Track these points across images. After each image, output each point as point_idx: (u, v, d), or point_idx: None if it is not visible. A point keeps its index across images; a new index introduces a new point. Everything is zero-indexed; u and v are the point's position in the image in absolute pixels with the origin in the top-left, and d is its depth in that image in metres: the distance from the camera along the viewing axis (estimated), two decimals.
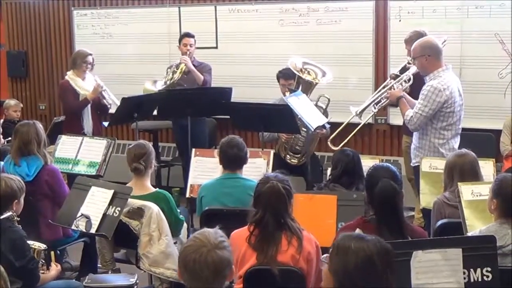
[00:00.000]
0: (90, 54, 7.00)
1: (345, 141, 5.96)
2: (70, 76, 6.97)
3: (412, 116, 5.29)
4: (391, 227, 3.44)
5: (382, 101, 5.78)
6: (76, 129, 6.65)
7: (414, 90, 5.63)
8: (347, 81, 7.42)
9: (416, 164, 5.38)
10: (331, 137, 6.12)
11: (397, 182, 3.59)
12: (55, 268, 4.24)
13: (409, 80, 5.63)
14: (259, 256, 3.51)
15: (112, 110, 7.05)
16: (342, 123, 6.12)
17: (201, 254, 2.42)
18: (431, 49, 5.33)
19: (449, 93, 5.22)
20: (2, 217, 3.94)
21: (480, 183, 4.28)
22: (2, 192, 4.03)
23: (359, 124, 6.03)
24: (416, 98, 5.45)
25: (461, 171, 4.40)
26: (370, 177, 3.70)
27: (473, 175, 4.38)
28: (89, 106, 6.88)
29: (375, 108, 5.85)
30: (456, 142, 5.40)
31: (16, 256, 3.84)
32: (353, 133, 6.06)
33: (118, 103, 6.80)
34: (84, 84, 6.91)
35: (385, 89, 5.74)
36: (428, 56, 5.30)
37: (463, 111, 5.44)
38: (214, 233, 2.53)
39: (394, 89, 5.65)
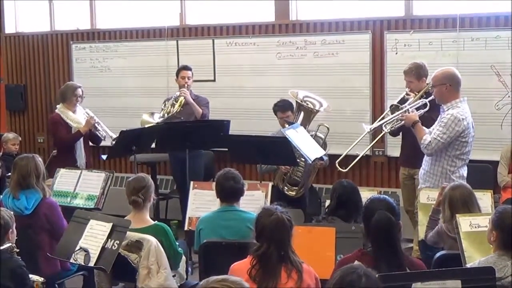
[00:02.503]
0: (80, 87, 6.98)
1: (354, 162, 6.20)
2: (60, 109, 6.91)
3: (430, 141, 5.38)
4: (388, 258, 3.45)
5: (396, 123, 5.86)
6: (69, 162, 6.53)
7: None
8: (344, 113, 7.44)
9: None
10: (339, 159, 6.18)
11: (394, 213, 3.60)
12: None
13: (425, 106, 5.72)
14: None
15: (107, 142, 7.04)
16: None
17: None
18: (452, 79, 5.45)
19: (466, 124, 5.36)
20: (2, 247, 3.94)
21: (478, 214, 4.29)
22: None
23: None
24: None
25: (451, 204, 4.44)
26: (366, 209, 3.72)
27: (464, 208, 4.38)
28: (81, 138, 6.86)
29: (385, 127, 5.93)
30: (465, 171, 5.51)
31: (16, 285, 3.84)
32: (359, 157, 6.21)
33: (113, 135, 6.81)
34: (75, 117, 6.87)
35: (400, 112, 5.81)
36: (449, 86, 5.41)
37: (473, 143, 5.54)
38: (240, 281, 2.56)
39: (409, 112, 5.71)
